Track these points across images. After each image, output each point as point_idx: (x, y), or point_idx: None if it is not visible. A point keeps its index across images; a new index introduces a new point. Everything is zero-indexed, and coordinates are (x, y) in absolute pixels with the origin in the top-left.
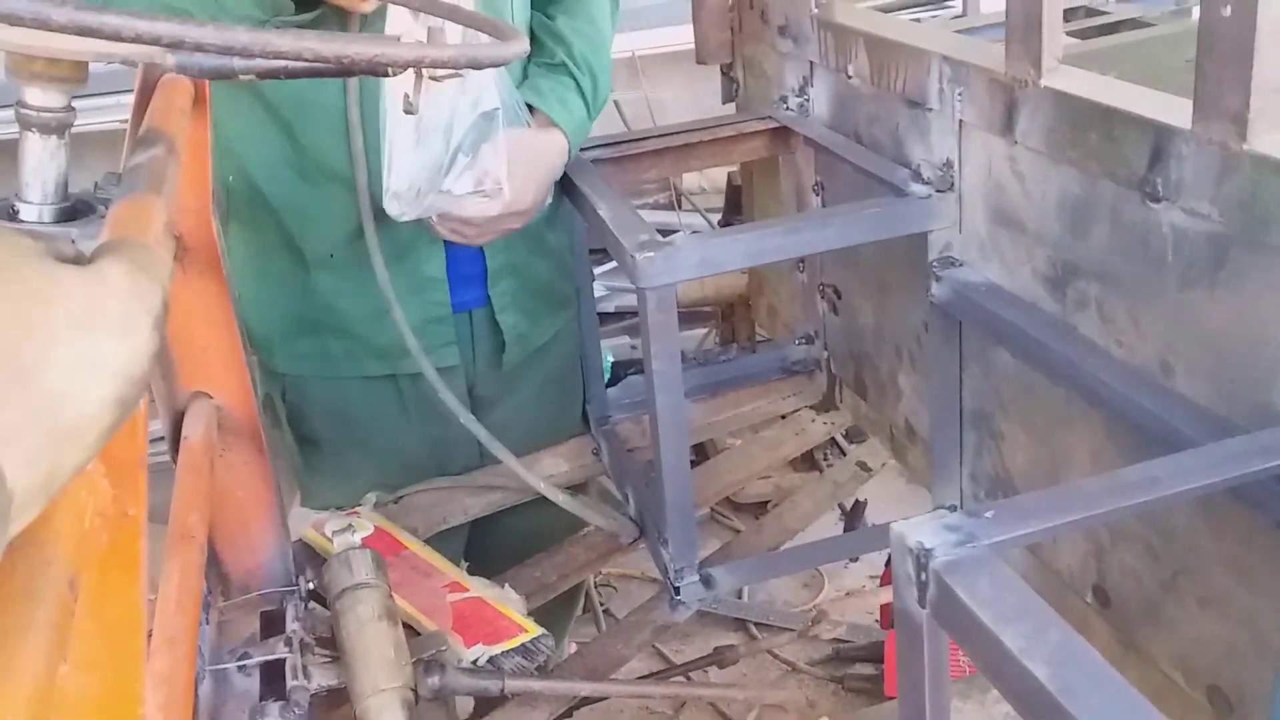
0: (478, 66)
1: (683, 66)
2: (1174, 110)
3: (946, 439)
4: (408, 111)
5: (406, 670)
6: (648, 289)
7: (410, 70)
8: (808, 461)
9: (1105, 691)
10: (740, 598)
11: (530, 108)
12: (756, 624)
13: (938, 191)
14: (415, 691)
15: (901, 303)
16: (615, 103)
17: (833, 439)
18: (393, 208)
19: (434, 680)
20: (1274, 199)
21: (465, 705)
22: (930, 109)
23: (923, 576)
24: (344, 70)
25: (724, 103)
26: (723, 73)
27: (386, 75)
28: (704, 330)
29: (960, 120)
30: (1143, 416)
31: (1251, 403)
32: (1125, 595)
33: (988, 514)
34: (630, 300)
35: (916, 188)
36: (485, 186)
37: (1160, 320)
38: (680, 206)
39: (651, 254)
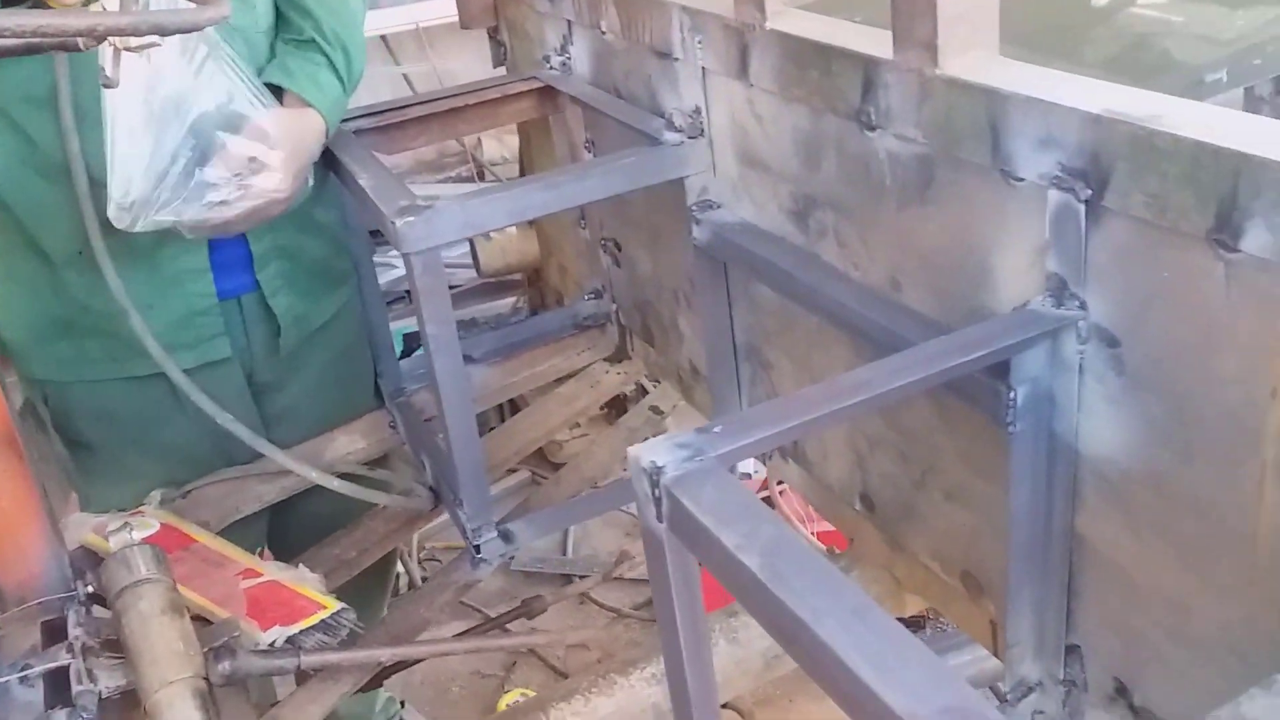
0: (163, 33)
1: (472, 35)
2: (880, 44)
3: (723, 374)
4: (106, 85)
5: (196, 660)
6: (412, 254)
7: (108, 45)
8: (621, 412)
9: (809, 575)
10: (565, 554)
11: (282, 89)
12: (582, 577)
13: (689, 138)
14: (208, 680)
15: (673, 249)
16: (405, 75)
17: (640, 385)
18: (122, 219)
19: (225, 666)
20: (965, 118)
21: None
22: (676, 59)
23: (657, 493)
24: (30, 48)
25: (494, 67)
26: (490, 36)
27: (79, 50)
28: (513, 299)
29: (703, 67)
30: (879, 332)
31: (965, 308)
32: (886, 498)
33: (716, 429)
34: None
35: (670, 136)
36: (242, 175)
37: (886, 241)
38: (484, 178)
39: (412, 219)
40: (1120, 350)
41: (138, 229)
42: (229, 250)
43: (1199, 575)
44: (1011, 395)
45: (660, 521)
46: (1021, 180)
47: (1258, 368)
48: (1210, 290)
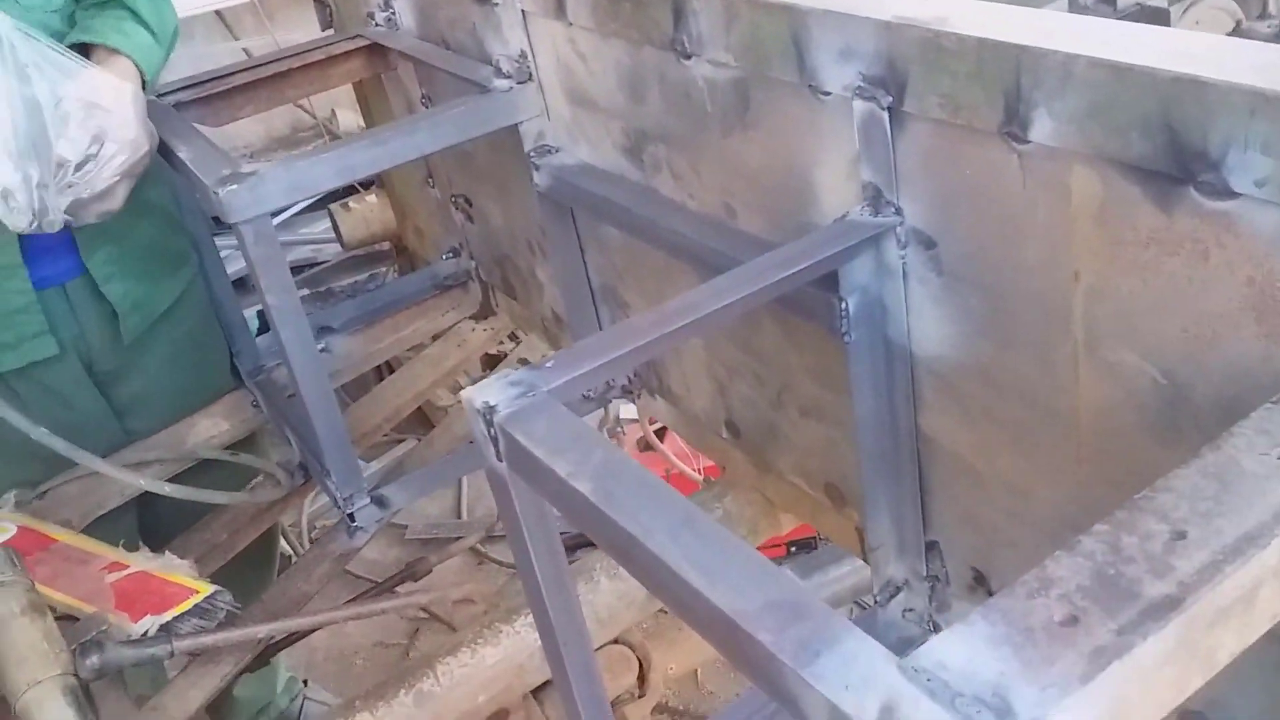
0: None
1: (311, 4)
2: None
3: (583, 319)
4: None
5: (64, 658)
6: (240, 223)
7: None
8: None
9: (639, 494)
10: (460, 517)
11: (89, 49)
12: (487, 540)
13: (518, 83)
14: (79, 677)
15: (520, 199)
16: (245, 50)
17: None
18: (19, 223)
19: (94, 660)
20: (770, 37)
21: None
22: (496, 4)
23: (492, 432)
24: None
25: (322, 30)
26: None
27: None
28: (383, 269)
29: (523, 10)
30: (718, 258)
31: (794, 226)
32: (748, 422)
33: (548, 364)
34: (302, 253)
35: (499, 82)
36: (95, 134)
37: (715, 168)
38: None
39: (235, 186)
40: (937, 251)
41: (46, 228)
42: (45, 235)
43: (1031, 458)
44: (843, 305)
45: (500, 460)
46: (828, 94)
47: (1058, 254)
48: (1008, 183)
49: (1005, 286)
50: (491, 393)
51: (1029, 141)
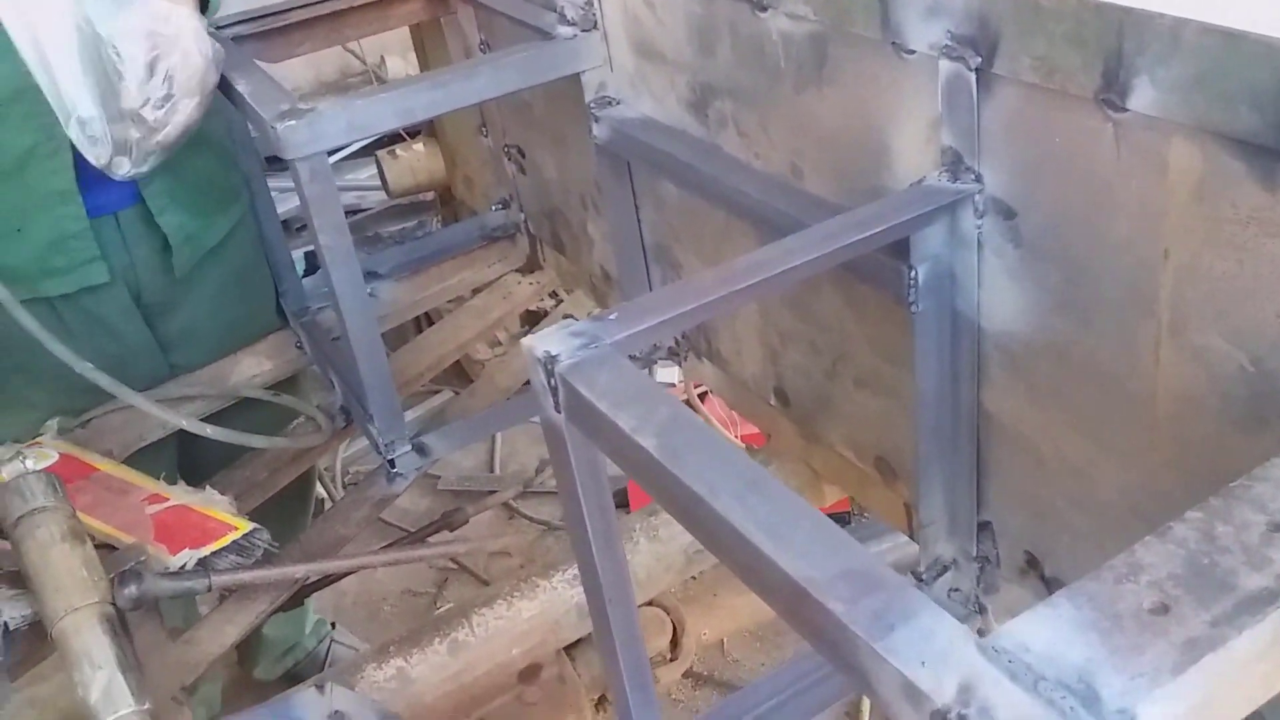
0: None
1: None
2: None
3: (635, 278)
4: None
5: (102, 586)
6: (296, 160)
7: None
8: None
9: (705, 452)
10: (493, 471)
11: None
12: (520, 496)
13: (582, 31)
14: (116, 606)
15: (576, 151)
16: None
17: (557, 296)
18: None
19: (131, 590)
20: None
21: None
22: None
23: (552, 382)
24: None
25: None
26: None
27: None
28: (429, 218)
29: None
30: (782, 220)
31: (866, 190)
32: (799, 391)
33: (611, 316)
34: (346, 199)
35: (562, 30)
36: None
37: (785, 126)
38: None
39: (293, 122)
40: (1017, 221)
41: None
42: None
43: (1100, 442)
44: (912, 274)
45: (558, 412)
46: (913, 52)
47: (1148, 230)
48: (1101, 153)
49: (1087, 262)
50: (553, 342)
51: (1126, 110)
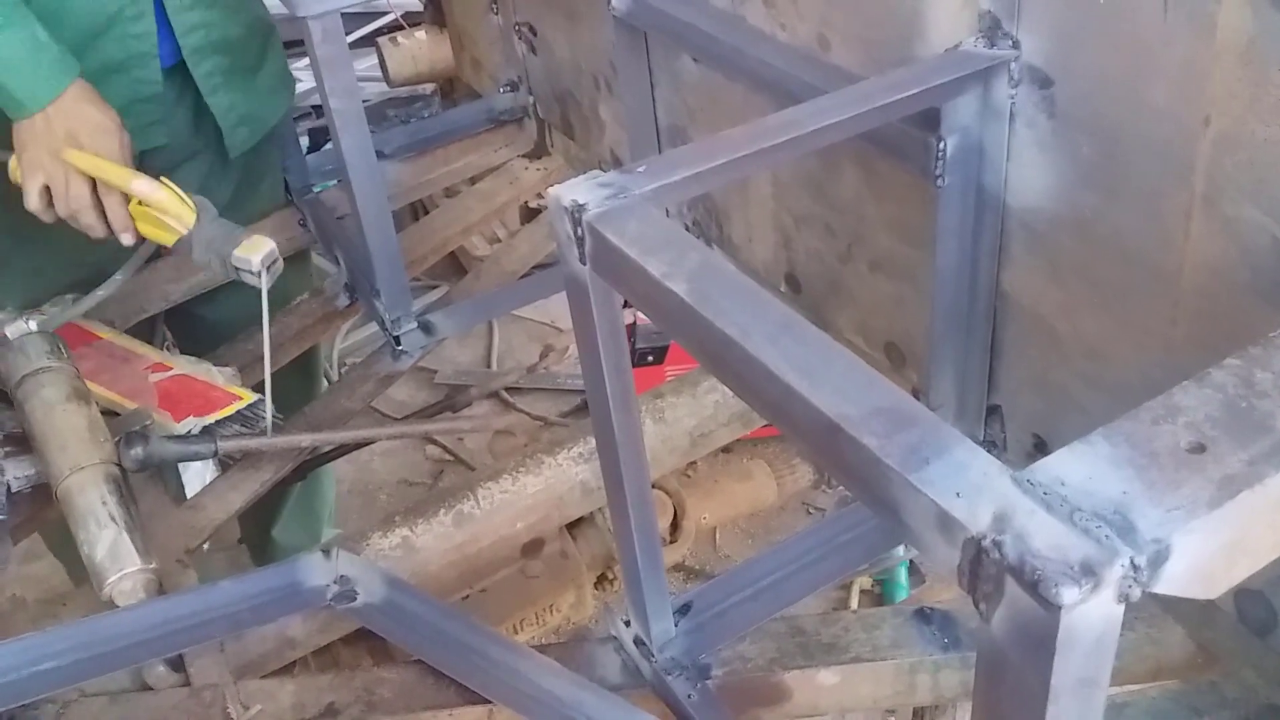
0: None
1: None
2: None
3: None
4: None
5: (106, 446)
6: (309, 18)
7: None
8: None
9: (736, 296)
10: (490, 367)
11: None
12: (515, 391)
13: None
14: (121, 467)
15: (591, 27)
16: None
17: None
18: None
19: (137, 451)
20: None
21: None
22: None
23: (579, 231)
24: None
25: None
26: None
27: None
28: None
29: None
30: (806, 92)
31: (894, 60)
32: (811, 276)
33: (640, 169)
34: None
35: None
36: None
37: None
38: None
39: None
40: (1052, 91)
41: None
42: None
43: (1119, 319)
44: (941, 146)
45: (583, 264)
46: None
47: (1190, 95)
48: (1147, 14)
49: (1123, 131)
50: (580, 191)
51: None
